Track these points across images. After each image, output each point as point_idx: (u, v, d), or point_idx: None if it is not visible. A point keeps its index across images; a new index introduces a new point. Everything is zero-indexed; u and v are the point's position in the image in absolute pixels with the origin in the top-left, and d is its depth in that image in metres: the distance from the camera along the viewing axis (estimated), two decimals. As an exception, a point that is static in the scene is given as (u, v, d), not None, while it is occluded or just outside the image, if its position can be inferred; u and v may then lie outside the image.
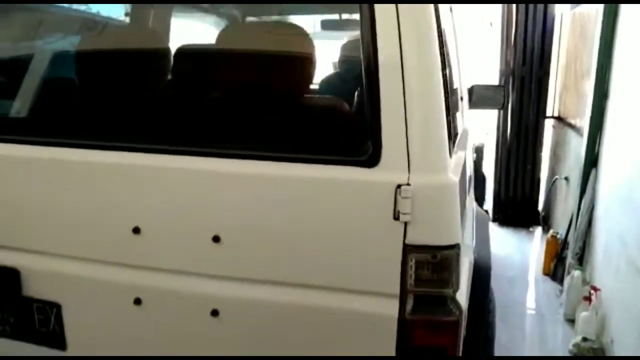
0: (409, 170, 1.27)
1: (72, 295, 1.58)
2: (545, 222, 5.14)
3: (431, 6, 1.30)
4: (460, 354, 1.44)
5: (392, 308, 1.32)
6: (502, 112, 5.26)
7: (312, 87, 1.98)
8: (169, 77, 1.84)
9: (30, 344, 1.66)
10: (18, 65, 1.96)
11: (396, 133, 1.27)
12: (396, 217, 1.27)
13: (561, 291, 3.68)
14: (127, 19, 2.57)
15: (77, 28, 2.10)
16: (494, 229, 5.31)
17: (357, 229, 1.32)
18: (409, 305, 1.32)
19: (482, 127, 5.52)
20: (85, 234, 1.52)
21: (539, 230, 5.21)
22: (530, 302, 3.86)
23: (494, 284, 4.00)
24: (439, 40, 1.33)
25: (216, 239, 1.39)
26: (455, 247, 1.30)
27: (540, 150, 5.28)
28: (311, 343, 1.41)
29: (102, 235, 1.51)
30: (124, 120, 1.61)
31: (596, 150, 3.50)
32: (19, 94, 1.84)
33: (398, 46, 1.26)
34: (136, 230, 1.45)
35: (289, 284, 1.39)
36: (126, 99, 1.66)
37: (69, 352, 1.62)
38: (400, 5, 1.26)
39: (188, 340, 1.50)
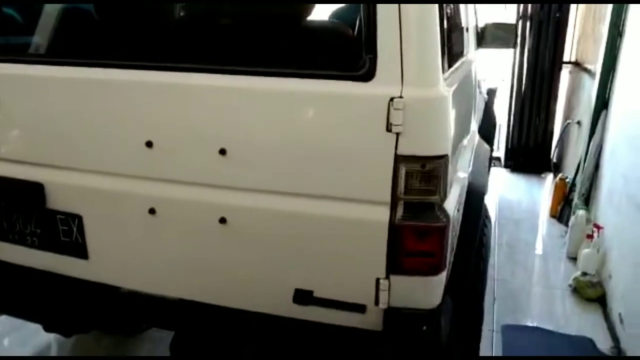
0: (402, 84, 1.33)
1: (91, 206, 1.70)
2: (557, 168, 5.16)
3: None
4: (448, 261, 1.54)
5: (383, 215, 1.41)
6: (517, 58, 5.21)
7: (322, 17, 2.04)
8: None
9: (55, 254, 1.79)
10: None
11: (391, 49, 1.33)
12: (388, 129, 1.34)
13: (566, 232, 3.75)
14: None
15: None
16: (506, 175, 5.36)
17: (353, 141, 1.39)
18: (399, 212, 1.41)
19: (497, 73, 5.48)
20: (103, 149, 1.62)
21: (550, 176, 5.24)
22: (535, 242, 3.95)
23: (501, 224, 4.12)
24: None
25: (222, 151, 1.48)
26: (444, 158, 1.37)
27: (555, 102, 5.23)
28: (310, 248, 1.51)
29: (118, 150, 1.61)
30: (138, 40, 1.69)
31: (607, 91, 3.50)
32: (42, 17, 1.93)
33: None
34: (149, 144, 1.54)
35: (289, 194, 1.48)
36: (139, 22, 1.74)
37: (91, 261, 1.75)
38: None
39: (198, 246, 1.62)
